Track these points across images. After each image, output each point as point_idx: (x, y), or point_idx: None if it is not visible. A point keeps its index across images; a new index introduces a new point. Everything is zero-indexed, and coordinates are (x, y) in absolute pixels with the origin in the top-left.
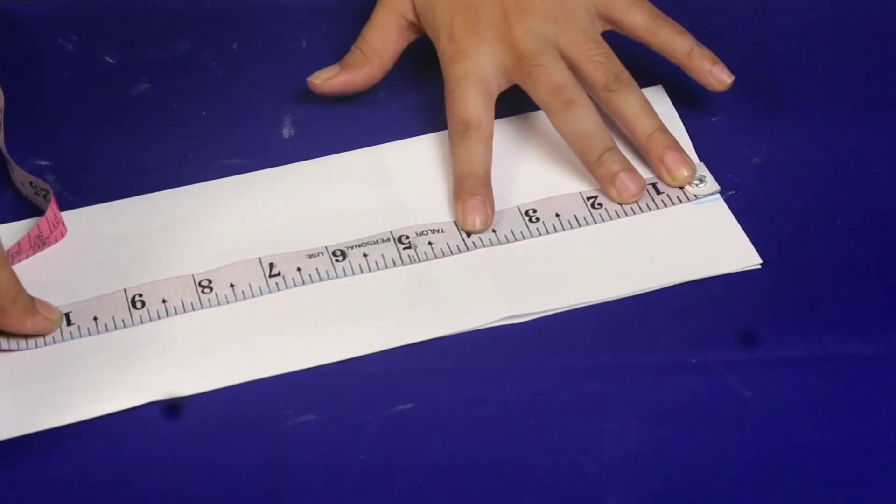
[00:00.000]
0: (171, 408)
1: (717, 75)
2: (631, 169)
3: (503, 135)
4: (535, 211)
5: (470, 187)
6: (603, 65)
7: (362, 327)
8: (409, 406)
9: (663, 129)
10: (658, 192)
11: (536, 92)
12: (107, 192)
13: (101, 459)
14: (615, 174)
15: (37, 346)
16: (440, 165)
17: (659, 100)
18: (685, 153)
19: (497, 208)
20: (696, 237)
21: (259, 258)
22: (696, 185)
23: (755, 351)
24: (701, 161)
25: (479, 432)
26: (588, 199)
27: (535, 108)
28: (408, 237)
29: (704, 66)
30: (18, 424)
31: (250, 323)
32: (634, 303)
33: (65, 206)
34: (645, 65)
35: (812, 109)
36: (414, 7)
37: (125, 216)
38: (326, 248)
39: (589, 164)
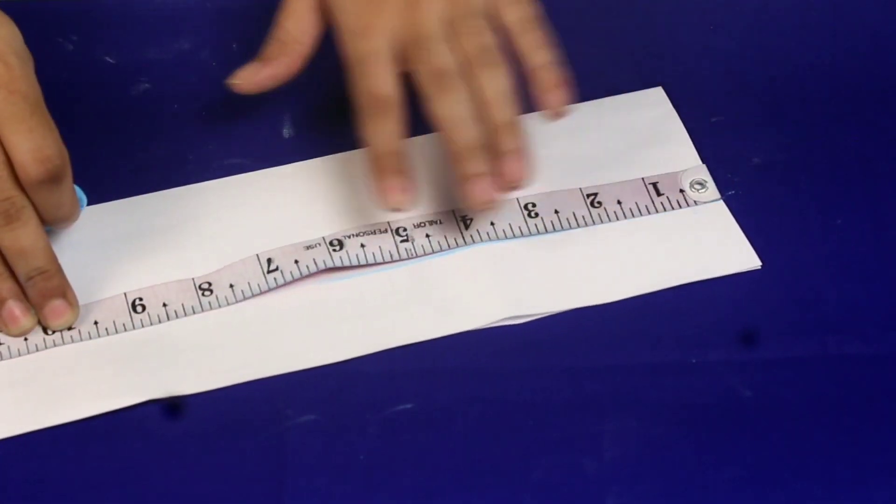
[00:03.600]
0: (171, 408)
1: (553, 98)
2: (491, 172)
3: None
4: (534, 205)
5: (390, 165)
6: (476, 36)
7: (362, 328)
8: (409, 406)
9: (515, 125)
10: (659, 194)
11: (418, 75)
12: (107, 191)
13: (101, 459)
14: (477, 174)
15: (37, 350)
16: (439, 164)
17: (659, 100)
18: (527, 161)
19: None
20: (696, 239)
21: (257, 255)
22: (697, 190)
23: (755, 351)
24: (702, 163)
25: (479, 432)
26: (588, 195)
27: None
28: (405, 229)
29: (546, 86)
30: (18, 423)
31: (250, 323)
32: (634, 303)
33: None
34: (645, 65)
35: (812, 109)
36: None
37: (125, 216)
38: (324, 238)
39: (451, 154)
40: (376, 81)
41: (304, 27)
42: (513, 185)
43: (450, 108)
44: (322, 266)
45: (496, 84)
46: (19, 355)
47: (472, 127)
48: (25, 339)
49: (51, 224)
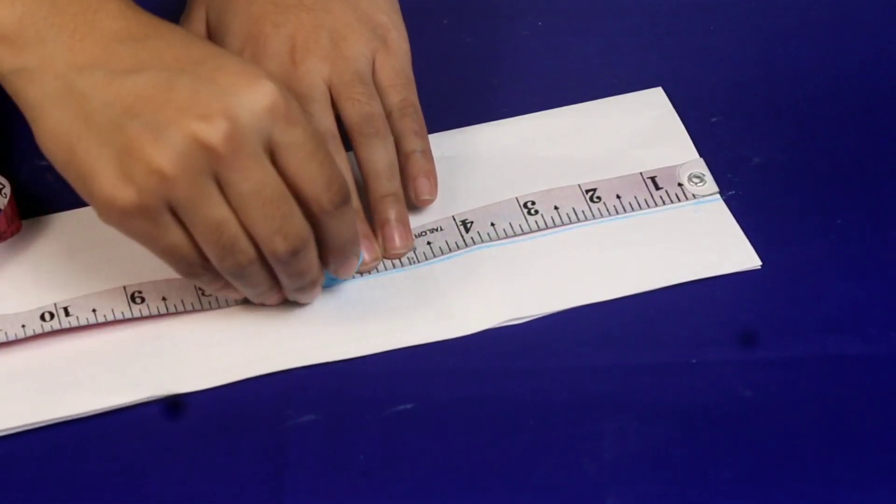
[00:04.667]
0: (172, 407)
1: (418, 186)
2: (368, 236)
3: (502, 131)
4: (533, 203)
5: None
6: (360, 104)
7: (363, 329)
8: (409, 406)
9: (396, 197)
10: (658, 188)
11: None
12: None
13: (101, 459)
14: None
15: (34, 333)
16: (439, 166)
17: (658, 101)
18: (408, 228)
19: (496, 200)
20: (696, 238)
21: None
22: (696, 184)
23: (755, 351)
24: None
25: (479, 432)
26: (587, 191)
27: (533, 108)
28: (414, 244)
29: (413, 173)
30: (19, 417)
31: (251, 322)
32: (634, 303)
33: (64, 206)
34: (645, 65)
35: (812, 109)
36: (208, 31)
37: None
38: None
39: None
40: None
41: None
42: (395, 253)
43: (307, 170)
44: (324, 282)
45: (378, 156)
46: (15, 338)
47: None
48: (23, 326)
49: (337, 254)
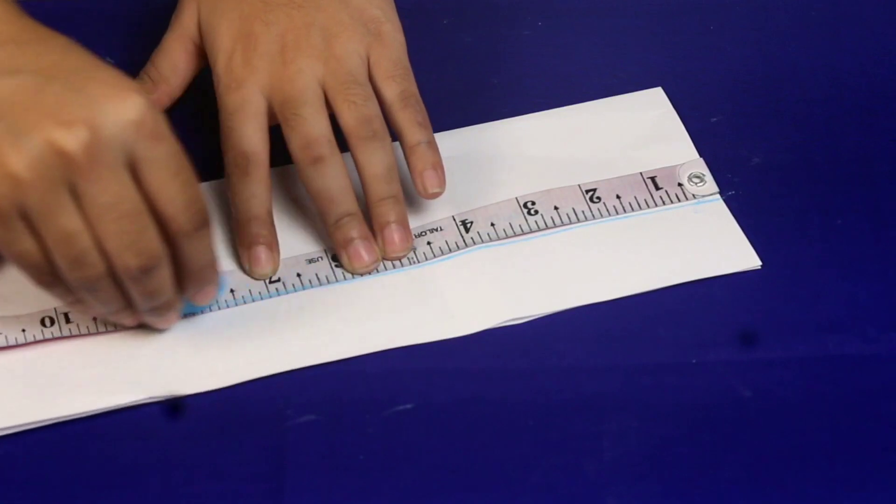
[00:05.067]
0: (171, 408)
1: (425, 179)
2: (367, 237)
3: (502, 131)
4: (533, 203)
5: (254, 233)
6: (357, 106)
7: (362, 329)
8: (409, 406)
9: (395, 200)
10: (658, 188)
11: (291, 142)
12: None
13: (101, 459)
14: (349, 241)
15: (34, 340)
16: None
17: (658, 101)
18: (408, 229)
19: (495, 201)
20: (696, 238)
21: None
22: (696, 184)
23: (755, 351)
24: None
25: (479, 432)
26: (587, 191)
27: (533, 108)
28: (413, 245)
29: (419, 166)
30: (19, 417)
31: (250, 323)
32: (634, 303)
33: None
34: (645, 65)
35: (812, 109)
36: (199, 30)
37: None
38: (325, 251)
39: (327, 226)
40: (240, 138)
41: (175, 67)
42: (395, 255)
43: (319, 179)
44: (325, 282)
45: (376, 160)
46: (16, 343)
47: (343, 198)
48: (23, 330)
49: (194, 279)
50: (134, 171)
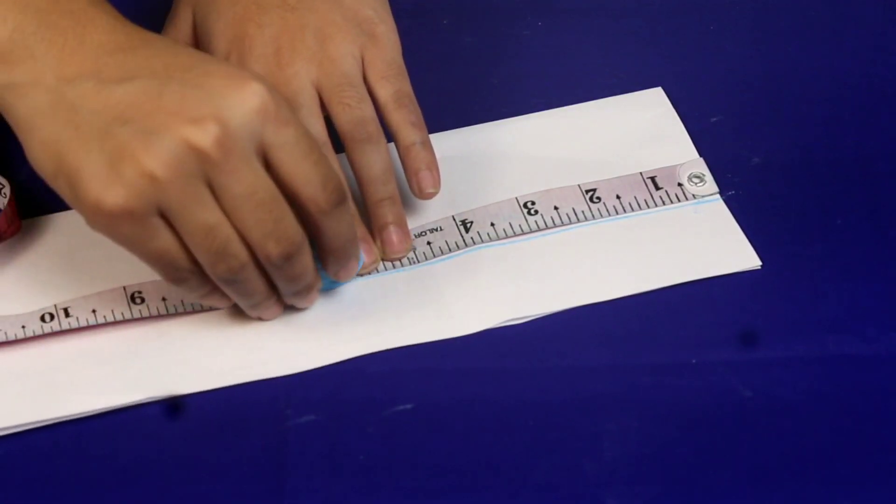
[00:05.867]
0: (171, 408)
1: (420, 180)
2: (366, 239)
3: (502, 131)
4: (533, 203)
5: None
6: (351, 108)
7: (362, 329)
8: (409, 406)
9: (392, 201)
10: (657, 188)
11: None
12: None
13: (101, 459)
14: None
15: (34, 334)
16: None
17: (658, 100)
18: (406, 229)
19: (495, 200)
20: (696, 238)
21: None
22: (696, 184)
23: (755, 351)
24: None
25: (479, 432)
26: (587, 191)
27: (533, 108)
28: (413, 244)
29: (414, 166)
30: (19, 417)
31: (250, 323)
32: (634, 303)
33: (64, 206)
34: (645, 65)
35: (812, 109)
36: (194, 32)
37: None
38: None
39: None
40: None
41: None
42: (395, 256)
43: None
44: (322, 282)
45: (372, 162)
46: (15, 338)
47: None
48: (23, 327)
49: (337, 256)
50: (265, 158)
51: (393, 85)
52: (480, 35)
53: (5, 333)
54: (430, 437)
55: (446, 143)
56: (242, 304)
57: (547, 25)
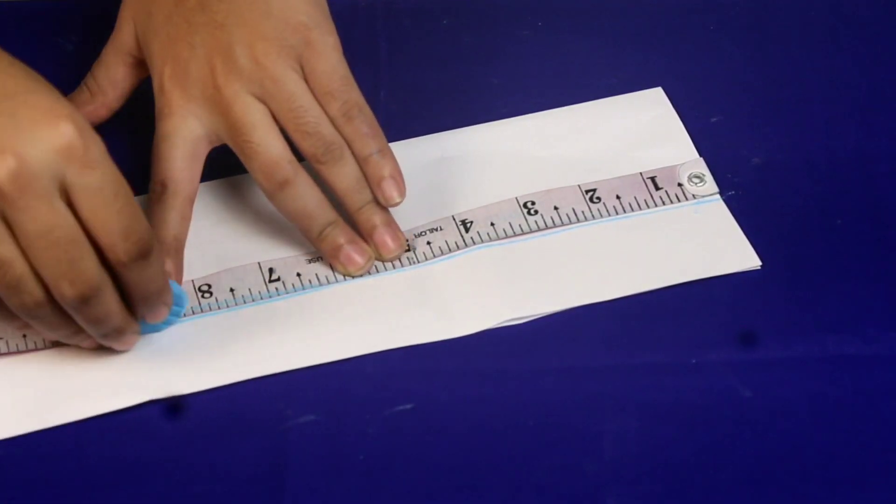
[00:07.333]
0: (171, 408)
1: (384, 190)
2: (355, 240)
3: (502, 131)
4: (533, 203)
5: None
6: (311, 135)
7: (362, 329)
8: (409, 406)
9: (374, 204)
10: (657, 188)
11: (251, 170)
12: None
13: (101, 459)
14: (339, 248)
15: (36, 348)
16: (439, 166)
17: (658, 101)
18: (396, 227)
19: (495, 200)
20: (696, 239)
21: (259, 263)
22: (696, 184)
23: (755, 351)
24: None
25: (479, 432)
26: (587, 191)
27: (533, 108)
28: (407, 240)
29: (375, 177)
30: (19, 423)
31: (251, 323)
32: (634, 303)
33: None
34: (645, 65)
35: (812, 109)
36: (138, 44)
37: None
38: None
39: (312, 242)
40: (163, 166)
41: (113, 80)
42: (391, 256)
43: (292, 202)
44: (325, 282)
45: (343, 175)
46: (17, 350)
47: (320, 212)
48: (24, 336)
49: (142, 304)
50: (69, 199)
51: (338, 98)
52: (480, 35)
53: (6, 343)
54: (430, 437)
55: (446, 143)
56: (52, 335)
57: (547, 25)
